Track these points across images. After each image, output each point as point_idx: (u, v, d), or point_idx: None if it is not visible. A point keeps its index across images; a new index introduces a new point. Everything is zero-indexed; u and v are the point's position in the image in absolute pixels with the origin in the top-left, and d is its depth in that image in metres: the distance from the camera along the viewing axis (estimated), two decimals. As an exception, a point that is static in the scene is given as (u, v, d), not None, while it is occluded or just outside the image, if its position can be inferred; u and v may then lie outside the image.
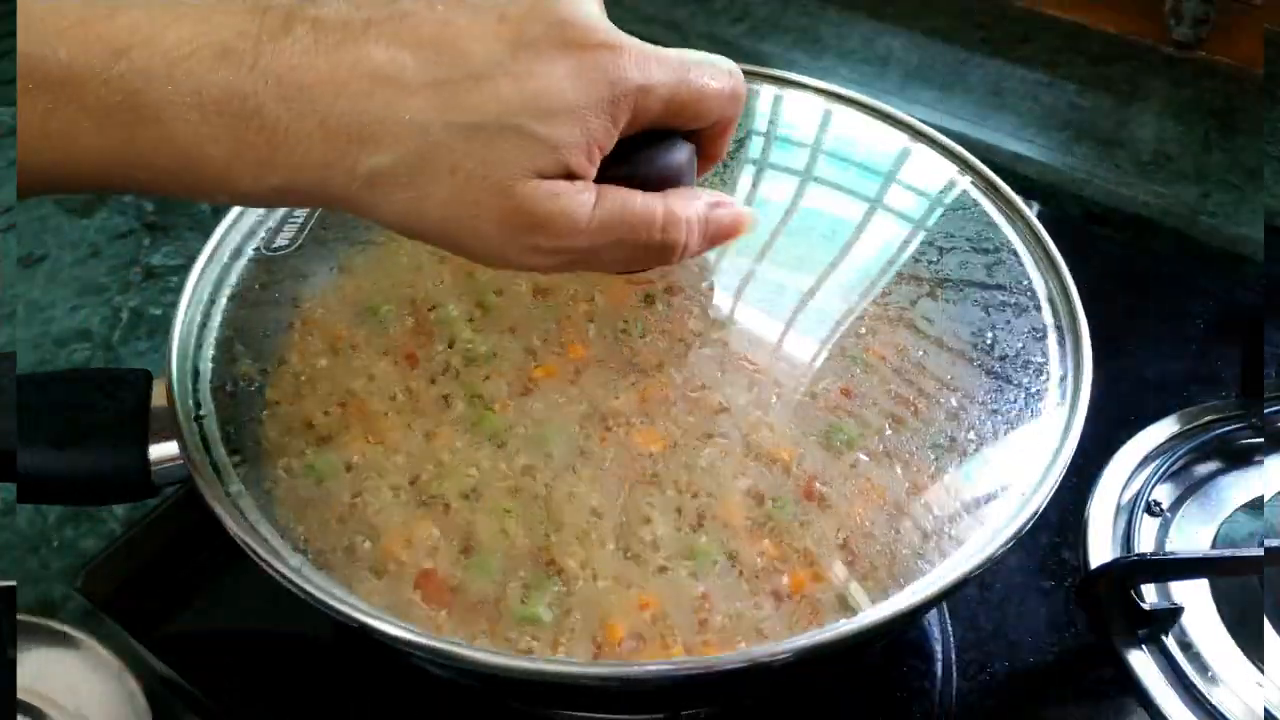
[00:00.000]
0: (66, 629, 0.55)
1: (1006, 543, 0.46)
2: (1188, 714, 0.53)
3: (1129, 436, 0.64)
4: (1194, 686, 0.53)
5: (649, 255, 0.42)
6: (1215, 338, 0.72)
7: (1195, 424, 0.64)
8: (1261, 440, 0.63)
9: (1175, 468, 0.62)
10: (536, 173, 0.38)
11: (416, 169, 0.38)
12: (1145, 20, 0.91)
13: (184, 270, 0.55)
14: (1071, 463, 0.47)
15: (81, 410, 0.52)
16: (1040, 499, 0.47)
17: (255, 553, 0.46)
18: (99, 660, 0.54)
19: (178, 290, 0.55)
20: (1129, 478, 0.62)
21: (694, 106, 0.42)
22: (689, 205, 0.42)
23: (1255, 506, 0.61)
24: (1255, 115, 0.86)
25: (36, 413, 0.52)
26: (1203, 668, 0.54)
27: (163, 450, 0.52)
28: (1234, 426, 0.64)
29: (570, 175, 0.39)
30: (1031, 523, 0.46)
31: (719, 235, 0.44)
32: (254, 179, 0.38)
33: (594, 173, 0.40)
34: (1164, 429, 0.64)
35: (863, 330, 0.53)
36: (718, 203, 0.43)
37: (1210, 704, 0.53)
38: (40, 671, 0.55)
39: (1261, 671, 0.54)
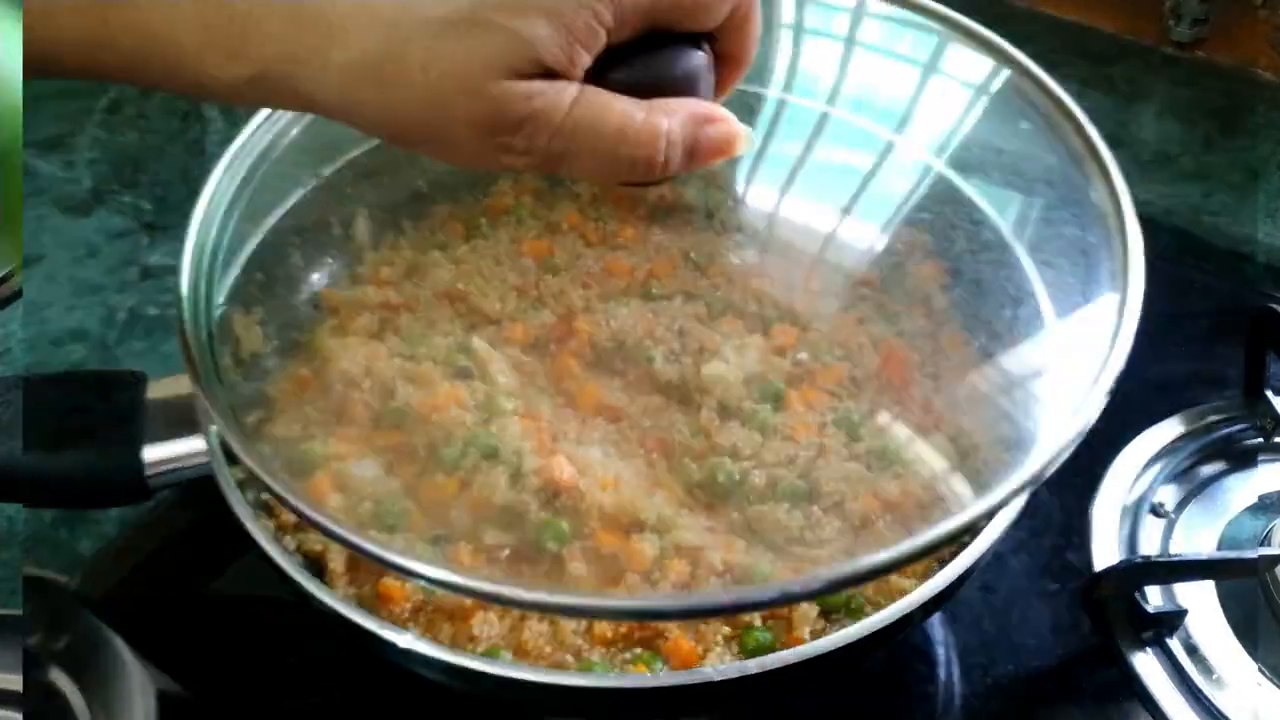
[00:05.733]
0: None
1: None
2: (1193, 717, 0.52)
3: (1133, 437, 0.63)
4: (1199, 690, 0.53)
5: (623, 167, 0.39)
6: (1218, 338, 0.72)
7: (1199, 425, 0.64)
8: (1265, 440, 0.63)
9: (1179, 469, 0.62)
10: (511, 71, 0.37)
11: (386, 66, 0.37)
12: (1145, 20, 0.91)
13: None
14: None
15: (76, 412, 0.52)
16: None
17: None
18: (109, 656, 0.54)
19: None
20: (1133, 479, 0.61)
21: None
22: (670, 118, 0.39)
23: (1260, 508, 0.60)
24: (1257, 114, 0.85)
25: (31, 415, 0.51)
26: (1207, 671, 0.54)
27: (158, 453, 0.52)
28: (1238, 427, 0.63)
29: (549, 73, 0.37)
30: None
31: (705, 154, 0.40)
32: (223, 69, 0.38)
33: (579, 72, 0.38)
34: (1168, 430, 0.64)
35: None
36: (708, 118, 0.40)
37: (1215, 707, 0.52)
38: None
39: (1266, 675, 0.53)
